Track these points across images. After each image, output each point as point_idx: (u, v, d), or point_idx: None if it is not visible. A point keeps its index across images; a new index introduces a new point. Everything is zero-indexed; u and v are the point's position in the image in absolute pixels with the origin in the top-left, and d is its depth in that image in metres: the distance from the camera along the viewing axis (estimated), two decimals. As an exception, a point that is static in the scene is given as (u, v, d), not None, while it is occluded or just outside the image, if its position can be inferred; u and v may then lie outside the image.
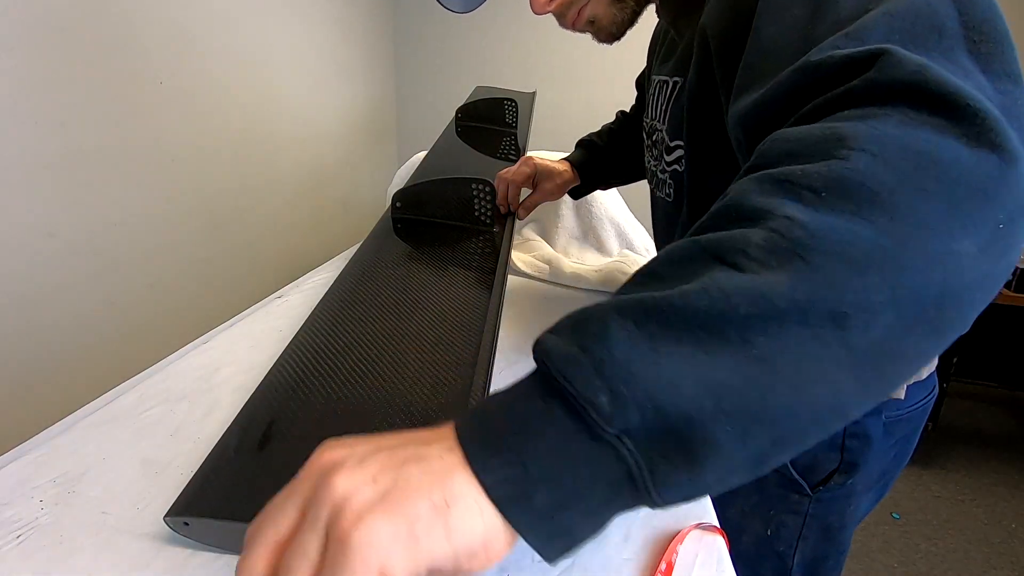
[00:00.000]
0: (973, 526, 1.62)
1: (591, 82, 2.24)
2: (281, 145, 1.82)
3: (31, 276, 1.11)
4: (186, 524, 0.38)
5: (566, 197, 0.93)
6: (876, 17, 0.30)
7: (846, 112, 0.27)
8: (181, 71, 1.39)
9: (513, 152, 1.09)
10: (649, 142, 0.68)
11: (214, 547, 0.39)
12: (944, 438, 2.00)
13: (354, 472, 0.23)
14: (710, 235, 0.26)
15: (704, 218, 0.28)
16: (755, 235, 0.24)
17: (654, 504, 0.24)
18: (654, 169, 0.67)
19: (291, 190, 1.89)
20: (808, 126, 0.28)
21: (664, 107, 0.60)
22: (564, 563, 0.40)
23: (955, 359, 1.91)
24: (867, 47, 0.28)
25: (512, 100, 1.22)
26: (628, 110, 0.91)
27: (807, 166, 0.25)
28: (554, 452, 0.23)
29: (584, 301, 0.91)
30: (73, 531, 0.40)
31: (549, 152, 1.27)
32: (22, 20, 1.03)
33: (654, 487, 0.23)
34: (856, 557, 1.50)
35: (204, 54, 1.46)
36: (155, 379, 0.58)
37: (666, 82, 0.60)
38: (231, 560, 0.38)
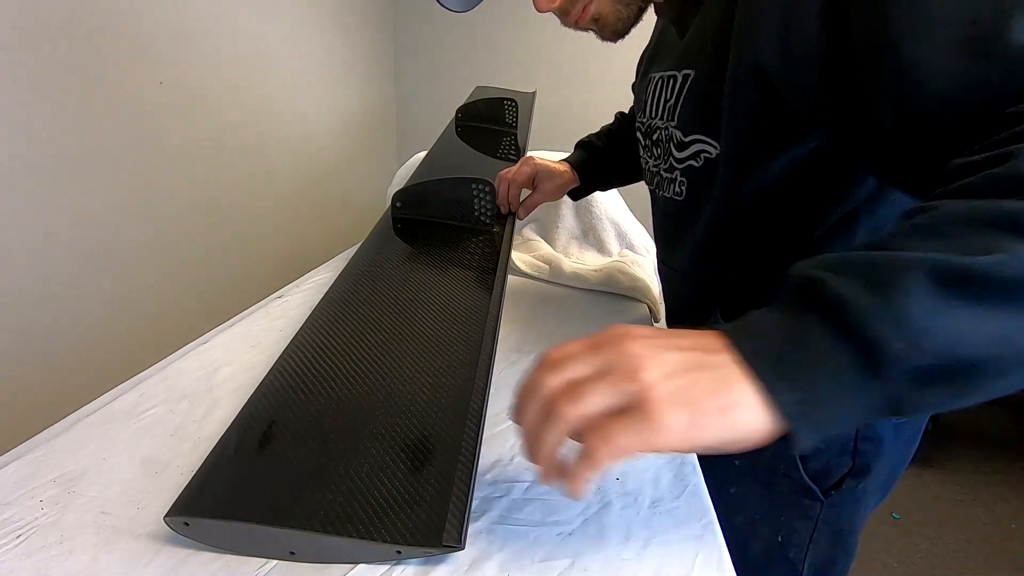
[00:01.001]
0: (973, 526, 1.62)
1: (591, 82, 2.23)
2: (281, 145, 1.82)
3: (31, 276, 1.11)
4: (186, 524, 0.38)
5: (566, 197, 0.93)
6: None
7: None
8: (181, 71, 1.39)
9: (513, 152, 1.09)
10: (648, 142, 0.67)
11: (214, 547, 0.39)
12: (944, 438, 2.00)
13: (658, 366, 0.29)
14: (1003, 203, 0.26)
15: (974, 177, 0.28)
16: None
17: (906, 415, 0.28)
18: (655, 169, 0.65)
19: (291, 190, 1.89)
20: None
21: (671, 103, 0.58)
22: (564, 563, 0.40)
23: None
24: None
25: (512, 100, 1.22)
26: (627, 111, 0.90)
27: None
28: (838, 385, 0.27)
29: (584, 301, 0.91)
30: (73, 531, 0.40)
31: (549, 152, 1.27)
32: (22, 20, 1.03)
33: (911, 411, 0.27)
34: (856, 557, 1.50)
35: (204, 54, 1.46)
36: (155, 379, 0.58)
37: (672, 76, 0.58)
38: (231, 560, 0.38)
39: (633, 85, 0.82)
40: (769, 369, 0.28)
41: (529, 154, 0.87)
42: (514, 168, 0.84)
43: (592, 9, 0.55)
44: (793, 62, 0.41)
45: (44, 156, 1.10)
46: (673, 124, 0.58)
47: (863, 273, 0.27)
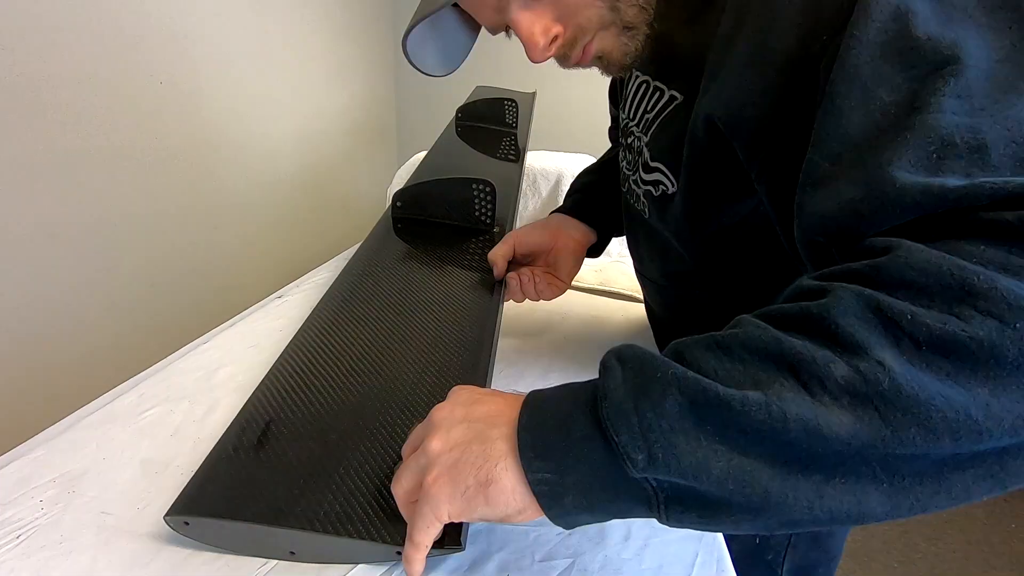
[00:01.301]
0: (973, 526, 1.62)
1: (591, 82, 2.23)
2: (281, 145, 1.82)
3: (31, 276, 1.11)
4: (186, 523, 0.38)
5: (563, 192, 0.90)
6: (1000, 137, 0.27)
7: (985, 250, 0.24)
8: (181, 71, 1.39)
9: (513, 152, 1.09)
10: (624, 142, 0.61)
11: (214, 547, 0.39)
12: (944, 438, 2.00)
13: (442, 440, 0.33)
14: (794, 342, 0.26)
15: (792, 304, 0.28)
16: (839, 369, 0.24)
17: (663, 522, 0.29)
18: (628, 174, 0.61)
19: (291, 190, 1.89)
20: (938, 257, 0.25)
21: (650, 116, 0.53)
22: (564, 563, 0.40)
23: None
24: (1017, 183, 0.25)
25: (512, 100, 1.22)
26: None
27: (920, 311, 0.24)
28: (588, 473, 0.28)
29: (584, 301, 0.90)
30: (73, 531, 0.40)
31: (549, 152, 1.26)
32: (22, 20, 1.03)
33: (667, 517, 0.28)
34: (856, 557, 1.50)
35: (204, 54, 1.46)
36: (155, 379, 0.58)
37: (660, 90, 0.52)
38: (231, 560, 0.38)
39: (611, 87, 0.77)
40: (529, 446, 0.30)
41: (511, 233, 0.69)
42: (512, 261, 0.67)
43: (594, 47, 0.48)
44: (748, 124, 0.38)
45: (44, 156, 1.10)
46: (645, 140, 0.54)
47: (637, 372, 0.28)
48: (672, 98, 0.51)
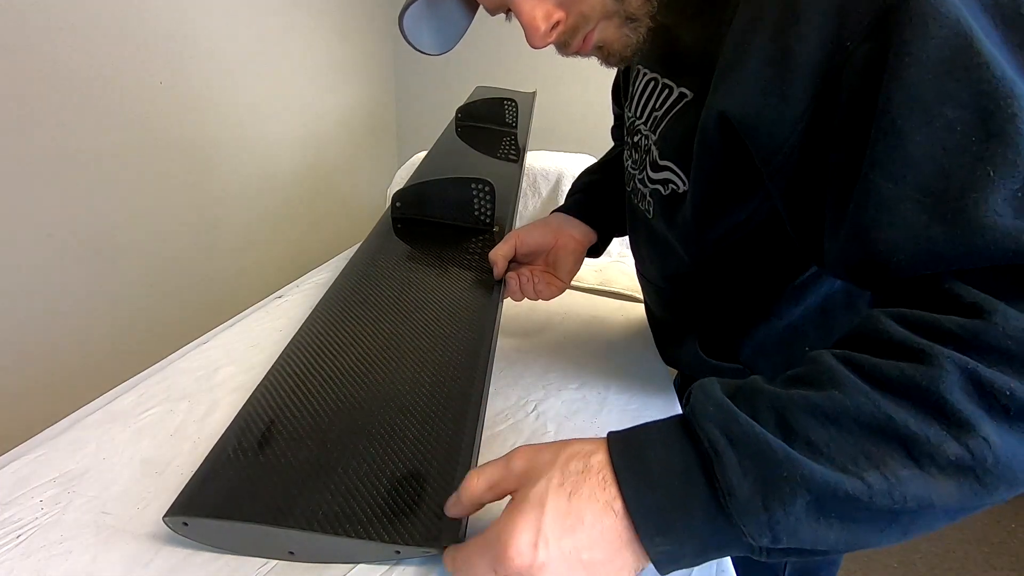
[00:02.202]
0: (973, 526, 1.62)
1: (591, 82, 2.23)
2: (281, 145, 1.82)
3: (31, 276, 1.11)
4: (185, 524, 0.38)
5: (563, 192, 0.91)
6: None
7: None
8: (181, 71, 1.39)
9: (513, 152, 1.09)
10: (630, 140, 0.61)
11: (214, 547, 0.39)
12: (944, 438, 2.00)
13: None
14: (906, 417, 0.27)
15: (891, 364, 0.28)
16: (951, 447, 0.26)
17: (759, 559, 0.31)
18: (633, 173, 0.60)
19: (291, 190, 1.89)
20: None
21: (658, 115, 0.53)
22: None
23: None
24: None
25: (512, 100, 1.22)
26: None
27: (1017, 386, 0.26)
28: (710, 543, 0.30)
29: (584, 301, 0.90)
30: (73, 531, 0.40)
31: (548, 152, 1.27)
32: (22, 20, 1.03)
33: (767, 558, 0.31)
34: (856, 557, 1.49)
35: (204, 54, 1.46)
36: (155, 379, 0.58)
37: (668, 87, 0.52)
38: (231, 560, 0.38)
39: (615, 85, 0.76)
40: (652, 530, 0.30)
41: (512, 232, 0.68)
42: (528, 268, 0.67)
43: (595, 37, 0.47)
44: (766, 126, 0.38)
45: (44, 156, 1.10)
46: (654, 138, 0.53)
47: (759, 465, 0.28)
48: (682, 95, 0.50)
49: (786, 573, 0.62)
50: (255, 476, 0.40)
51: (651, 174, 0.54)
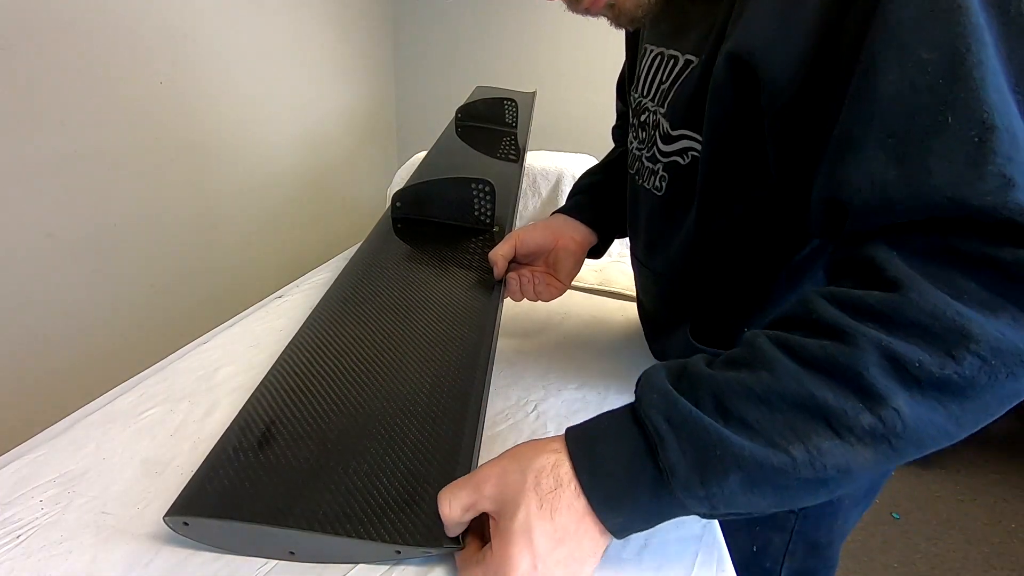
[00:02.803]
0: (973, 526, 1.62)
1: (591, 82, 2.23)
2: (281, 145, 1.82)
3: (31, 276, 1.11)
4: (186, 524, 0.38)
5: (563, 192, 0.89)
6: None
7: (979, 291, 0.29)
8: (181, 71, 1.39)
9: (513, 152, 1.09)
10: (635, 122, 0.60)
11: (214, 547, 0.39)
12: (944, 438, 2.00)
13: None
14: (827, 394, 0.30)
15: (815, 343, 0.32)
16: (866, 418, 0.30)
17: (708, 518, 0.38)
18: (638, 153, 0.59)
19: (291, 190, 1.89)
20: (944, 304, 0.29)
21: (665, 87, 0.52)
22: (564, 563, 0.40)
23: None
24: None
25: (512, 100, 1.22)
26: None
27: (926, 358, 0.29)
28: (655, 514, 0.35)
29: (584, 301, 0.90)
30: (73, 531, 0.40)
31: (549, 152, 1.27)
32: (22, 20, 1.03)
33: (712, 519, 0.39)
34: (856, 557, 1.50)
35: (204, 54, 1.46)
36: (155, 379, 0.58)
37: (674, 58, 0.51)
38: (231, 560, 0.38)
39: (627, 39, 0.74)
40: (605, 509, 0.34)
41: (513, 233, 0.68)
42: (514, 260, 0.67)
43: None
44: (778, 57, 0.38)
45: (44, 156, 1.10)
46: (662, 111, 0.53)
47: (695, 447, 0.32)
48: (688, 62, 0.50)
49: (782, 573, 0.62)
50: (255, 476, 0.40)
51: (663, 147, 0.54)
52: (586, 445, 0.36)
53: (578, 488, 0.35)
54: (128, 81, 1.25)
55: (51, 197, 1.12)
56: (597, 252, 0.73)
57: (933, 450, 0.31)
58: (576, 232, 0.69)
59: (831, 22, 0.35)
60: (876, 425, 0.29)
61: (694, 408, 0.33)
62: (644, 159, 0.58)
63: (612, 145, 0.85)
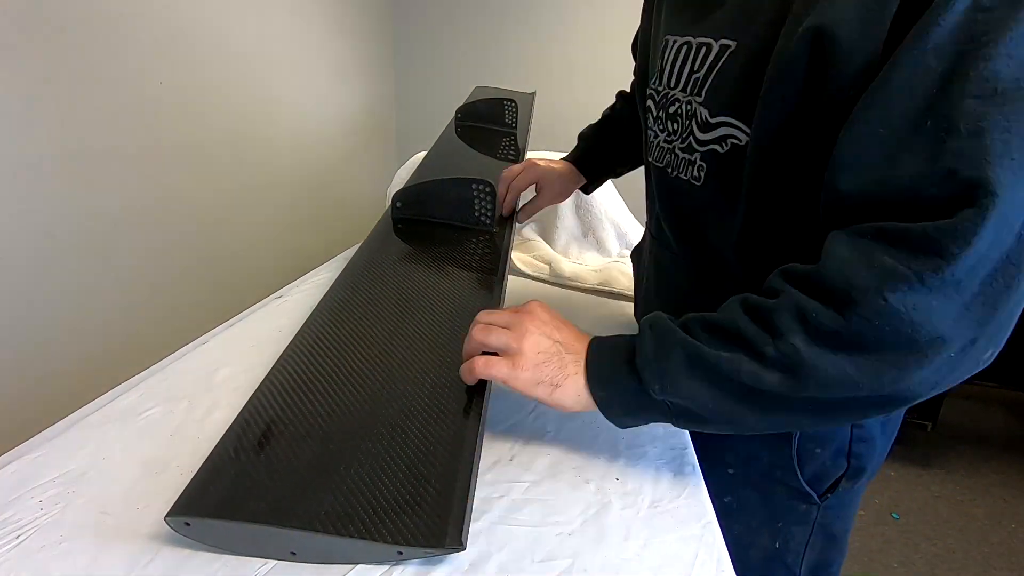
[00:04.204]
0: (973, 526, 1.62)
1: (591, 82, 2.24)
2: (281, 145, 1.82)
3: (31, 276, 1.11)
4: (187, 524, 0.38)
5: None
6: (997, 140, 0.33)
7: (885, 259, 0.35)
8: (181, 71, 1.39)
9: (513, 152, 1.09)
10: (662, 114, 0.59)
11: (215, 547, 0.39)
12: (944, 438, 2.00)
13: (533, 344, 0.46)
14: (751, 328, 0.40)
15: (760, 297, 0.41)
16: (770, 348, 0.39)
17: (678, 426, 0.46)
18: (668, 145, 0.58)
19: (291, 190, 1.89)
20: (848, 268, 0.36)
21: (700, 74, 0.51)
22: (564, 563, 0.40)
23: (955, 359, 1.90)
24: (968, 195, 0.33)
25: (512, 100, 1.22)
26: (629, 90, 0.84)
27: (820, 311, 0.37)
28: (630, 395, 0.44)
29: (584, 301, 0.90)
30: (73, 531, 0.40)
31: (549, 152, 1.27)
32: (22, 20, 1.03)
33: (677, 423, 0.45)
34: (856, 557, 1.50)
35: (204, 54, 1.46)
36: (155, 379, 0.58)
37: (705, 45, 0.51)
38: (231, 560, 0.38)
39: (635, 40, 0.74)
40: (593, 378, 0.46)
41: (530, 156, 0.86)
42: (516, 170, 0.83)
43: None
44: (865, 40, 0.38)
45: (44, 156, 1.10)
46: (699, 100, 0.52)
47: (659, 337, 0.43)
48: (724, 47, 0.49)
49: (802, 571, 0.62)
50: (257, 476, 0.40)
51: (701, 136, 0.53)
52: (600, 339, 0.48)
53: (584, 350, 0.47)
54: (128, 81, 1.25)
55: (51, 197, 1.12)
56: (586, 189, 0.90)
57: (847, 394, 0.37)
58: (563, 166, 0.86)
59: (908, 10, 0.37)
60: (777, 355, 0.38)
61: (669, 322, 0.44)
62: (678, 150, 0.57)
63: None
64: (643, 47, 0.67)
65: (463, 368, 0.48)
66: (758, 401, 0.40)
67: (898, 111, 0.36)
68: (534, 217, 1.05)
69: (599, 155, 0.87)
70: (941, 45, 0.34)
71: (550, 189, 0.84)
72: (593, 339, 0.48)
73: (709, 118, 0.51)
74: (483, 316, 0.50)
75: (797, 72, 0.41)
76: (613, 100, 0.88)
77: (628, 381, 0.44)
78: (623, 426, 0.48)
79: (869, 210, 0.38)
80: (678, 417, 0.44)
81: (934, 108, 0.34)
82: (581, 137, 0.89)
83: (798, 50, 0.40)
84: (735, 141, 0.49)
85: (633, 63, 0.77)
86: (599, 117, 0.90)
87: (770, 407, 0.41)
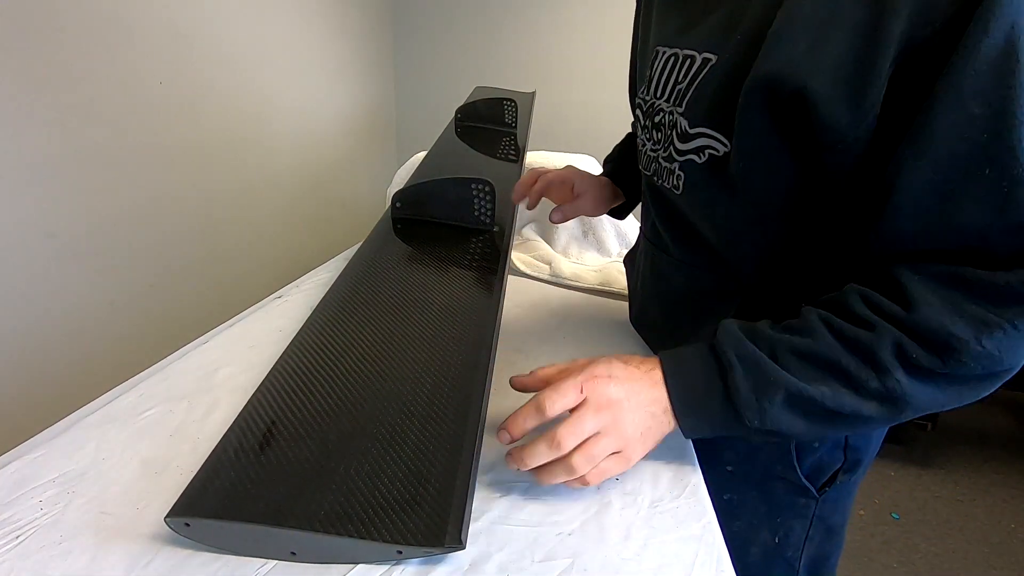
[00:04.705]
0: (973, 526, 1.62)
1: (591, 82, 2.24)
2: (281, 145, 1.82)
3: (31, 276, 1.11)
4: (187, 525, 0.38)
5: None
6: None
7: (976, 309, 0.39)
8: (181, 71, 1.39)
9: (513, 152, 1.09)
10: (648, 123, 0.60)
11: (215, 547, 0.39)
12: (944, 438, 2.00)
13: (632, 426, 0.44)
14: (850, 360, 0.41)
15: (850, 326, 0.42)
16: (874, 382, 0.41)
17: (749, 440, 0.47)
18: (653, 155, 0.59)
19: (291, 190, 1.89)
20: (944, 320, 0.39)
21: (683, 86, 0.52)
22: (564, 563, 0.40)
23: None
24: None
25: (512, 100, 1.22)
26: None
27: (922, 355, 0.40)
28: (717, 424, 0.45)
29: (584, 301, 0.90)
30: (73, 531, 0.40)
31: (549, 152, 1.27)
32: (22, 20, 1.03)
33: (754, 439, 0.46)
34: (856, 557, 1.50)
35: (204, 54, 1.46)
36: (155, 379, 0.58)
37: (690, 57, 0.51)
38: (231, 560, 0.38)
39: (634, 47, 0.72)
40: (683, 411, 0.45)
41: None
42: (550, 166, 0.79)
43: None
44: (846, 101, 0.40)
45: (44, 156, 1.10)
46: (680, 111, 0.53)
47: (754, 373, 0.43)
48: (705, 61, 0.50)
49: (801, 565, 0.62)
50: (257, 477, 0.40)
51: (679, 145, 0.54)
52: (675, 364, 0.46)
53: (664, 391, 0.45)
54: (128, 81, 1.25)
55: (51, 197, 1.12)
56: (622, 211, 0.83)
57: (929, 411, 0.42)
58: (603, 180, 0.79)
59: (902, 66, 0.38)
60: (880, 388, 0.41)
61: (756, 350, 0.43)
62: (661, 159, 0.58)
63: (612, 144, 0.85)
64: (632, 58, 0.68)
65: (568, 482, 0.44)
66: (852, 425, 0.43)
67: (949, 160, 0.38)
68: (532, 215, 1.05)
69: (634, 171, 0.76)
70: (982, 91, 0.35)
71: (591, 195, 0.77)
72: (664, 367, 0.46)
73: (688, 128, 0.52)
74: (550, 405, 0.44)
75: (759, 110, 0.44)
76: (612, 99, 0.87)
77: (720, 415, 0.44)
78: (702, 436, 0.47)
79: (935, 249, 0.41)
80: (760, 436, 0.44)
81: (989, 155, 0.36)
82: (611, 159, 0.83)
83: (759, 92, 0.43)
84: (713, 152, 0.50)
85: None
86: (598, 119, 0.88)
87: (858, 427, 0.44)
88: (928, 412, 0.42)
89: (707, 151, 0.50)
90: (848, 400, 0.41)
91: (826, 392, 0.41)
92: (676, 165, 0.55)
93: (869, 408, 0.41)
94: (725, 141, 0.48)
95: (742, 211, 0.51)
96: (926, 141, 0.38)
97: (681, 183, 0.55)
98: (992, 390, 0.42)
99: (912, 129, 0.38)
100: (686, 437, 0.47)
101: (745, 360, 0.43)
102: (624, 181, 0.80)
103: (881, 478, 1.82)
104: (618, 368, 0.46)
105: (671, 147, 0.55)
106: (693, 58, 0.51)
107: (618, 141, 0.85)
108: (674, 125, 0.54)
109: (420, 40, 2.43)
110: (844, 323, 0.42)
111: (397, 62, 2.47)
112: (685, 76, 0.52)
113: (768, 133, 0.45)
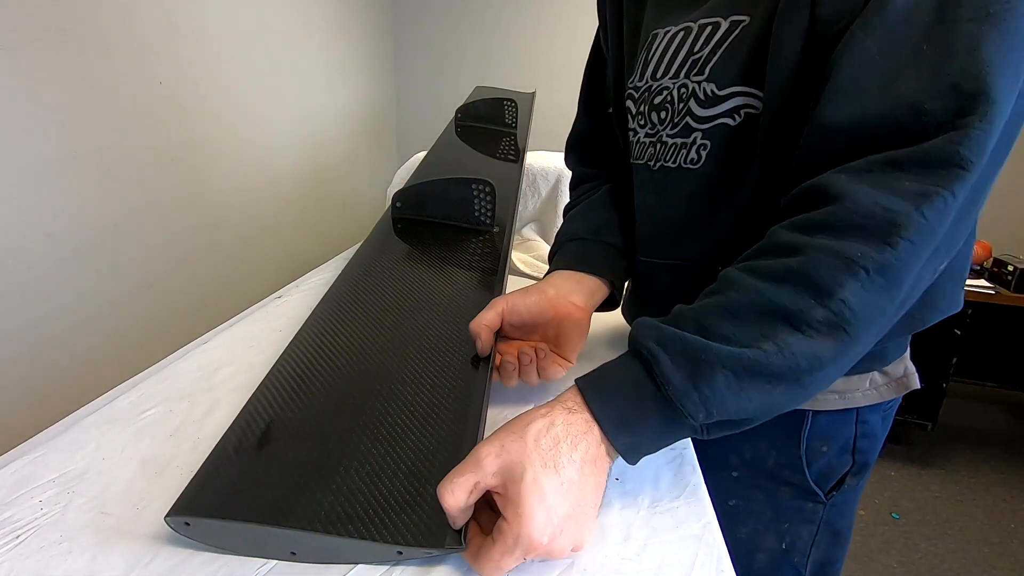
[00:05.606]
0: (973, 526, 1.62)
1: (591, 82, 2.24)
2: (281, 145, 1.82)
3: (31, 276, 1.11)
4: (187, 524, 0.38)
5: (563, 192, 0.88)
6: (994, 55, 0.35)
7: (909, 185, 0.35)
8: (181, 71, 1.39)
9: (512, 152, 1.09)
10: (642, 108, 0.57)
11: (215, 547, 0.39)
12: (944, 438, 2.00)
13: (545, 510, 0.35)
14: (783, 297, 0.36)
15: (775, 260, 0.38)
16: (818, 312, 0.35)
17: (703, 438, 0.40)
18: (648, 140, 0.57)
19: (291, 190, 1.89)
20: (874, 202, 0.35)
21: (702, 54, 0.50)
22: (564, 563, 0.40)
23: (955, 359, 1.91)
24: (971, 105, 0.34)
25: (512, 100, 1.22)
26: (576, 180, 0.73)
27: (867, 249, 0.35)
28: (658, 434, 0.39)
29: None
30: (73, 531, 0.40)
31: (549, 152, 1.27)
32: (22, 20, 1.03)
33: (708, 436, 0.39)
34: (856, 557, 1.50)
35: (204, 54, 1.46)
36: (155, 379, 0.58)
37: (710, 24, 0.50)
38: (231, 560, 0.38)
39: (590, 63, 0.70)
40: (615, 431, 0.38)
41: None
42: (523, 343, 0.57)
43: None
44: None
45: (44, 156, 1.10)
46: (702, 78, 0.50)
47: (684, 358, 0.37)
48: (735, 23, 0.48)
49: (807, 570, 0.62)
50: (257, 476, 0.40)
51: (702, 112, 0.51)
52: (594, 382, 0.40)
53: (590, 419, 0.38)
54: (128, 81, 1.25)
55: (51, 197, 1.12)
56: (613, 302, 0.64)
57: (880, 332, 0.38)
58: (576, 294, 0.57)
59: None
60: (828, 316, 0.35)
61: (678, 330, 0.38)
62: (664, 136, 0.54)
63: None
64: (616, 52, 0.64)
65: None
66: (811, 381, 0.37)
67: (896, 39, 0.37)
68: (532, 215, 1.05)
69: (613, 250, 0.63)
70: None
71: (575, 337, 0.56)
72: (584, 391, 0.40)
73: (717, 91, 0.49)
74: (454, 509, 0.36)
75: (796, 37, 0.43)
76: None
77: (658, 418, 0.38)
78: (636, 461, 0.40)
79: (865, 141, 0.38)
80: (709, 430, 0.39)
81: (931, 34, 0.36)
82: (574, 237, 0.64)
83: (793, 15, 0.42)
84: (750, 110, 0.48)
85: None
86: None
87: (818, 381, 0.37)
88: (877, 334, 0.37)
89: (743, 110, 0.48)
90: (799, 347, 0.35)
91: (771, 348, 0.35)
92: (697, 135, 0.51)
93: (824, 347, 0.35)
94: (761, 96, 0.46)
95: (771, 176, 0.48)
96: (877, 22, 0.38)
97: (705, 152, 0.51)
98: (927, 282, 0.38)
99: (866, 9, 0.39)
100: (629, 462, 0.39)
101: (668, 346, 0.38)
102: (608, 261, 0.62)
103: (881, 478, 1.82)
104: (534, 473, 0.36)
105: (686, 119, 0.52)
106: (717, 24, 0.49)
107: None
108: (690, 96, 0.51)
109: (420, 40, 2.43)
110: (768, 260, 0.38)
111: (397, 62, 2.47)
112: (707, 43, 0.50)
113: (799, 63, 0.43)
